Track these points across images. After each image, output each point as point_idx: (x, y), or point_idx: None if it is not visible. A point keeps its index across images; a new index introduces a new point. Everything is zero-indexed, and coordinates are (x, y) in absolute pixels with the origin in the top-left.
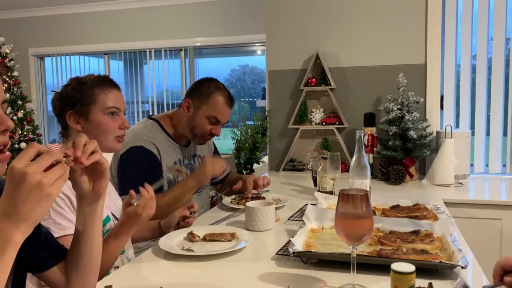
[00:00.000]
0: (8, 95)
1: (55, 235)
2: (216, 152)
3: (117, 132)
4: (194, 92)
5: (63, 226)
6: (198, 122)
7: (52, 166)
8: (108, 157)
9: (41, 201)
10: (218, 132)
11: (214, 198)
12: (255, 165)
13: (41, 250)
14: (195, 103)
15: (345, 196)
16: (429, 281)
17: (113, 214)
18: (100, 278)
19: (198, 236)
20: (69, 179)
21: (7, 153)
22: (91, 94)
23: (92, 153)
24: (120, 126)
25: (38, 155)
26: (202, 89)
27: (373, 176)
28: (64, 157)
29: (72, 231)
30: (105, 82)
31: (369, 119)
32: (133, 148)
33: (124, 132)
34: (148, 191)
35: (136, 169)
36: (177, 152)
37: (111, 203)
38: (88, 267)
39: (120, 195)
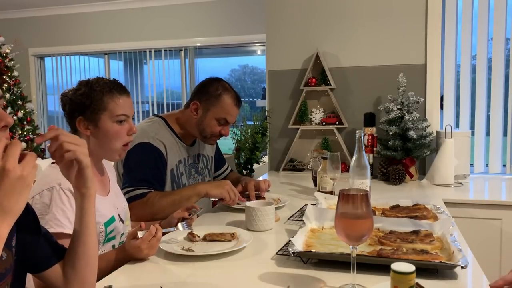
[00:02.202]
0: (8, 95)
1: (51, 230)
2: (218, 150)
3: (125, 138)
4: (201, 93)
5: (61, 223)
6: (208, 124)
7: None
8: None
9: (22, 193)
10: (227, 132)
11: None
12: (255, 165)
13: (41, 251)
14: (203, 105)
15: (345, 196)
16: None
17: (119, 216)
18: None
19: (198, 236)
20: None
21: None
22: (100, 102)
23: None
24: (128, 132)
25: None
26: (210, 90)
27: (373, 176)
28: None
29: (69, 231)
30: (115, 88)
31: (369, 119)
32: (140, 145)
33: (131, 138)
34: (157, 232)
35: (143, 165)
36: (182, 151)
37: (119, 204)
38: (84, 265)
39: (123, 189)
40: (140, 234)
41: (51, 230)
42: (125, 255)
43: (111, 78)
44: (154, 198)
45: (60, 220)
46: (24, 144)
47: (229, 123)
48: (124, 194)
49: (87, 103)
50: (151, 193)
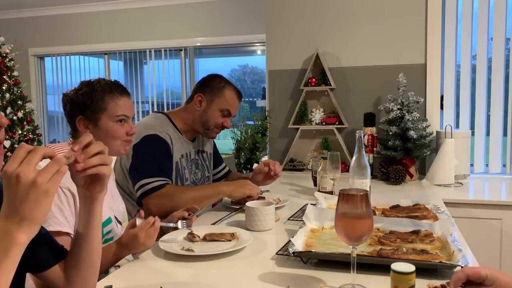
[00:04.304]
0: (8, 95)
1: (50, 229)
2: (216, 150)
3: (124, 138)
4: (205, 86)
5: (59, 222)
6: (211, 115)
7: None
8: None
9: (39, 199)
10: (229, 124)
11: None
12: (255, 165)
13: (41, 250)
14: (207, 97)
15: (345, 196)
16: (441, 282)
17: (115, 217)
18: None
19: (198, 236)
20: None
21: (1, 149)
22: (101, 102)
23: (97, 162)
24: (128, 132)
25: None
26: (213, 83)
27: (373, 176)
28: (67, 156)
29: (67, 229)
30: (116, 89)
31: (369, 119)
32: (147, 137)
33: (131, 138)
34: (155, 222)
35: (155, 155)
36: (184, 146)
37: (115, 206)
38: (87, 266)
39: (139, 181)
40: (138, 222)
41: (50, 228)
42: (123, 248)
43: (113, 79)
44: (173, 191)
45: (58, 218)
46: (48, 151)
47: (231, 115)
48: (141, 187)
49: (87, 103)
50: (169, 185)
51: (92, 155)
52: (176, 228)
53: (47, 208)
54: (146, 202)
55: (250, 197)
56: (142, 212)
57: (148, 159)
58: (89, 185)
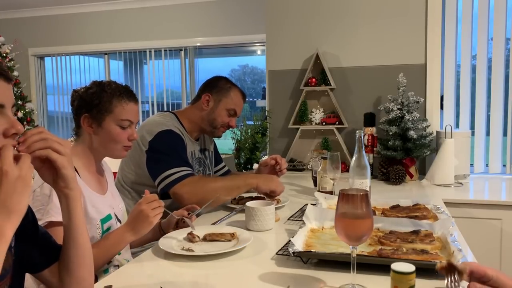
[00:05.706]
0: None
1: (53, 219)
2: (216, 149)
3: (125, 142)
4: (212, 87)
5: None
6: (219, 114)
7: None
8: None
9: (24, 192)
10: (234, 124)
11: None
12: (255, 165)
13: (39, 251)
14: (215, 97)
15: (345, 196)
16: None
17: (116, 215)
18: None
19: (198, 236)
20: None
21: None
22: (109, 104)
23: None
24: (129, 138)
25: None
26: (220, 84)
27: (373, 176)
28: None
29: None
30: (125, 94)
31: (369, 119)
32: (163, 132)
33: (131, 144)
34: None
35: (176, 149)
36: (190, 145)
37: (115, 204)
38: (77, 266)
39: (155, 177)
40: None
41: (53, 219)
42: (128, 228)
43: (123, 84)
44: (205, 180)
45: (60, 209)
46: (14, 143)
47: (237, 115)
48: (167, 177)
49: (95, 102)
50: (199, 175)
51: (35, 141)
52: (177, 224)
53: (28, 199)
54: (177, 190)
55: (272, 193)
56: (147, 191)
57: (169, 152)
58: (54, 182)
